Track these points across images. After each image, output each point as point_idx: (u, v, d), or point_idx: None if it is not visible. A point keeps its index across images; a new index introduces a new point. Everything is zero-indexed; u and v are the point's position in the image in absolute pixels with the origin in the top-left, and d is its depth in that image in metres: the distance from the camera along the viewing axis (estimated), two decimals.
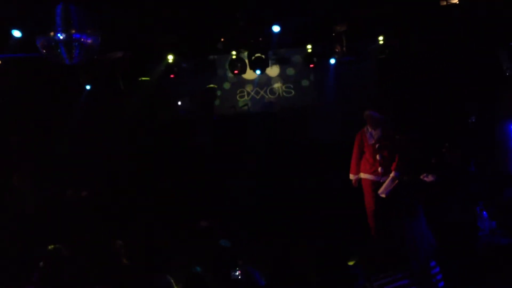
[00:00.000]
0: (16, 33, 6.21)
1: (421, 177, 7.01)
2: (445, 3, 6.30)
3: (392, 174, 6.74)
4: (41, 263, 4.96)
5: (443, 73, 7.54)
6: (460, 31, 6.72)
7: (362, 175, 7.02)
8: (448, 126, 7.41)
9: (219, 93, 9.34)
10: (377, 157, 6.88)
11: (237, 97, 9.37)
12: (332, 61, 7.91)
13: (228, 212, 8.20)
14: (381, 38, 7.56)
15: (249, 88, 9.37)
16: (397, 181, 6.70)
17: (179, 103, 9.33)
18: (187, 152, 8.96)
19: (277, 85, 9.36)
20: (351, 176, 7.13)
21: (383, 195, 6.74)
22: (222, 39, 7.92)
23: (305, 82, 9.25)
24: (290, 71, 9.23)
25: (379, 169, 6.87)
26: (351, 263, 3.65)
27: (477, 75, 7.13)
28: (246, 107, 9.07)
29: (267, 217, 7.91)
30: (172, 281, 4.81)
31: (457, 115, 7.40)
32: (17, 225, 7.42)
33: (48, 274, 4.91)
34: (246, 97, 9.38)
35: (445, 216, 5.97)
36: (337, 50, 7.55)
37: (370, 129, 6.95)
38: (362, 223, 7.05)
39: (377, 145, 6.86)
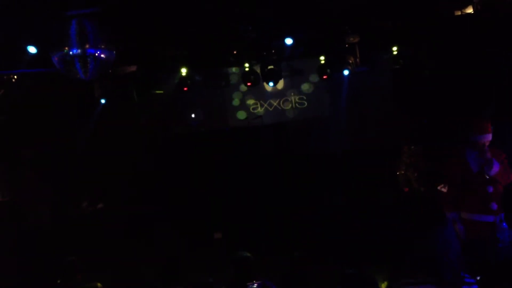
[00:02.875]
0: (32, 49, 6.27)
1: (438, 188, 6.90)
2: (459, 13, 6.24)
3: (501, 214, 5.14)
4: (58, 281, 4.96)
5: (459, 83, 7.45)
6: (476, 40, 6.63)
7: (467, 215, 5.26)
8: (465, 135, 7.27)
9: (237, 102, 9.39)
10: (489, 189, 5.18)
11: (251, 108, 9.38)
12: (346, 72, 7.87)
13: (242, 224, 8.19)
14: (395, 48, 7.52)
15: (262, 100, 9.37)
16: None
17: (193, 115, 9.37)
18: (201, 164, 8.98)
19: (290, 97, 9.34)
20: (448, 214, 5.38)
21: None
22: (235, 52, 7.95)
23: (318, 93, 9.22)
24: (304, 82, 9.22)
25: (493, 204, 5.15)
26: (383, 285, 3.58)
27: (494, 85, 7.02)
28: (259, 119, 9.07)
29: (280, 229, 7.87)
30: None
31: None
32: (33, 238, 7.49)
33: None
34: (259, 108, 9.38)
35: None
36: (350, 61, 7.51)
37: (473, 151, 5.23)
38: (382, 235, 6.93)
39: None
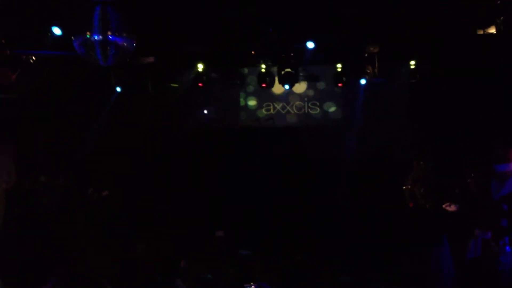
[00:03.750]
0: (56, 30, 6.30)
1: (444, 206, 6.87)
2: (482, 32, 6.20)
3: None
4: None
5: (475, 102, 7.40)
6: (497, 60, 6.59)
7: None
8: (477, 156, 7.24)
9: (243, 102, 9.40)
10: (504, 222, 5.18)
11: (263, 110, 9.38)
12: (363, 81, 7.86)
13: (245, 223, 8.20)
14: (412, 62, 7.50)
15: (275, 102, 9.36)
16: None
17: (205, 111, 9.39)
18: (208, 162, 8.99)
19: (303, 101, 9.33)
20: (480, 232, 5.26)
21: None
22: (253, 52, 7.96)
23: (332, 101, 9.20)
24: (318, 88, 9.20)
25: (505, 238, 5.11)
26: None
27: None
28: (271, 121, 9.07)
29: (285, 231, 7.88)
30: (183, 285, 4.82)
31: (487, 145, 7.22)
32: (39, 224, 7.52)
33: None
34: (272, 111, 9.38)
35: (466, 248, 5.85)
36: (368, 71, 7.50)
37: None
38: (384, 245, 6.91)
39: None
